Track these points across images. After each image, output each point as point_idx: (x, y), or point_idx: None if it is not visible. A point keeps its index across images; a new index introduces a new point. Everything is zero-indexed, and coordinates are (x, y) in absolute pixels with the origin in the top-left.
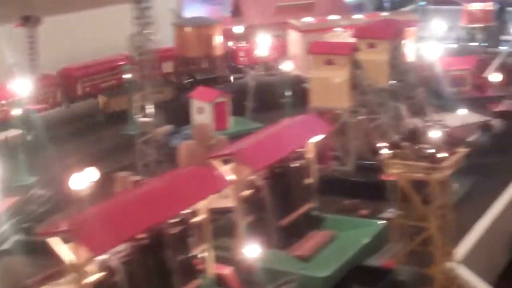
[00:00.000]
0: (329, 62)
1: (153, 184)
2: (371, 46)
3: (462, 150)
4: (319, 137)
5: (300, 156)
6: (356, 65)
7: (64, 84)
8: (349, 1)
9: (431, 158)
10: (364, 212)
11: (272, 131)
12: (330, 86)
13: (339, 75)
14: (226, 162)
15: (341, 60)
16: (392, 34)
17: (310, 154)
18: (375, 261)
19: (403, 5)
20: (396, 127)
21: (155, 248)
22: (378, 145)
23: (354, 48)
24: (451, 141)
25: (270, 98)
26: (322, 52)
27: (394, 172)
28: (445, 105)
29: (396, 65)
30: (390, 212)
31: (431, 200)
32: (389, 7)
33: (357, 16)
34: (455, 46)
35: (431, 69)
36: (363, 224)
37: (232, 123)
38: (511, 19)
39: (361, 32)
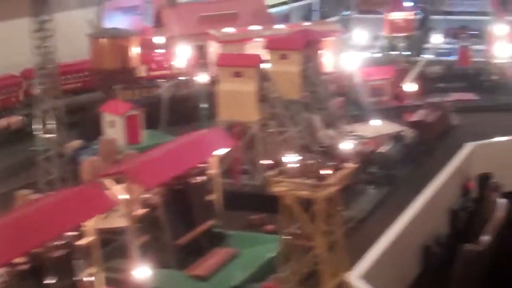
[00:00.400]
0: (237, 75)
1: (34, 205)
2: (283, 57)
3: (349, 166)
4: (222, 152)
5: (202, 172)
6: (264, 77)
7: (25, 85)
8: (276, 11)
9: (317, 175)
10: (269, 227)
11: (170, 147)
12: (238, 98)
13: (247, 88)
14: (120, 180)
15: (248, 72)
16: (304, 45)
17: (213, 169)
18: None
19: (332, 15)
20: (310, 138)
21: (35, 273)
22: (262, 162)
23: (261, 60)
24: (342, 156)
25: (186, 110)
26: (229, 64)
27: (279, 190)
28: (363, 115)
29: (309, 76)
30: (295, 227)
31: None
32: (318, 16)
33: (279, 27)
34: (379, 55)
35: (350, 79)
36: (267, 239)
37: (145, 136)
38: (435, 28)
39: (273, 43)
